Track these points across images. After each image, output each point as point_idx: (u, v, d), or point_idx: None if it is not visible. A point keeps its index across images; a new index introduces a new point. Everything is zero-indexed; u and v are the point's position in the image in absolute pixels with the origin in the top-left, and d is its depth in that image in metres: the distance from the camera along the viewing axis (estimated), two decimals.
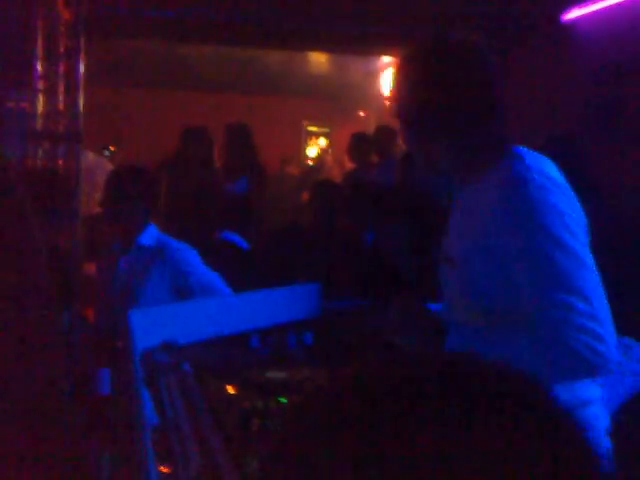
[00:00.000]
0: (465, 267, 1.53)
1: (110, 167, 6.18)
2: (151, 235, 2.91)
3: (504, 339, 1.42)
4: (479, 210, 1.52)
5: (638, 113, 3.93)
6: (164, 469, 1.38)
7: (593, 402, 1.62)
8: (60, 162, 4.36)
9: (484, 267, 1.48)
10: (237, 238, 3.82)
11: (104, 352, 1.73)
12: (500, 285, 1.46)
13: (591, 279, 1.39)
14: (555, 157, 3.06)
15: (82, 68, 4.55)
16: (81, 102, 4.54)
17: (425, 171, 1.67)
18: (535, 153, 1.54)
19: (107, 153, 6.91)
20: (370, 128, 7.44)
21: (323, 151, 9.99)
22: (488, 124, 1.55)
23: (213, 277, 2.86)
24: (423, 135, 1.57)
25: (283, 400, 1.78)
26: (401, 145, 4.77)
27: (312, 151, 10.14)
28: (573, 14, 4.54)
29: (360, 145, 5.84)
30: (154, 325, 2.09)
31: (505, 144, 1.56)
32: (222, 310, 2.39)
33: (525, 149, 1.55)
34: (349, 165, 6.77)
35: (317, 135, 10.18)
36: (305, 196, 5.82)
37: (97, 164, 5.71)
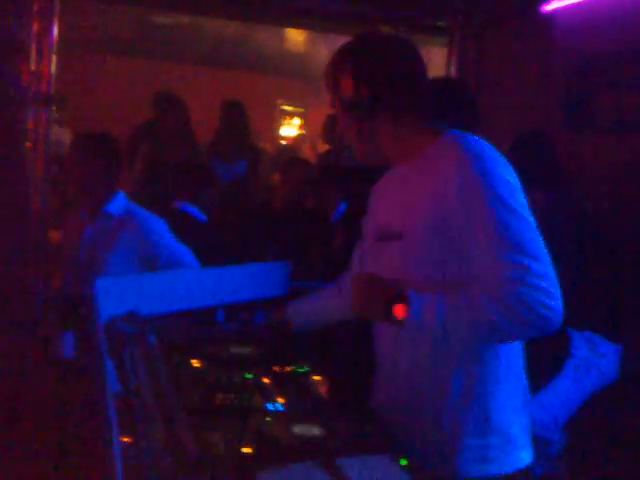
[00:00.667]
0: (414, 241, 1.62)
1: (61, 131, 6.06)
2: (119, 203, 2.86)
3: (467, 302, 1.49)
4: (425, 186, 1.63)
5: (615, 106, 3.96)
6: (126, 439, 1.36)
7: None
8: (30, 125, 4.26)
9: (435, 239, 1.58)
10: (194, 209, 3.74)
11: (69, 317, 1.70)
12: (452, 255, 1.58)
13: (540, 241, 1.53)
14: (525, 152, 3.08)
15: (56, 30, 4.43)
16: (53, 65, 4.43)
17: (361, 156, 1.76)
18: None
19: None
20: None
21: (300, 133, 9.89)
22: (419, 110, 1.71)
23: (181, 249, 2.82)
24: (359, 123, 1.69)
25: (248, 375, 1.77)
26: None
27: (286, 130, 10.06)
28: (553, 5, 4.56)
29: (334, 127, 5.81)
30: (120, 294, 2.06)
31: (437, 127, 1.70)
32: (189, 283, 2.37)
33: (460, 131, 1.67)
34: (322, 147, 6.74)
35: (291, 115, 10.11)
36: (277, 177, 5.77)
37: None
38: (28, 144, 4.24)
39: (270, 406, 1.61)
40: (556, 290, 1.48)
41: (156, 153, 5.03)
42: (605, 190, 3.87)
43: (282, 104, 10.07)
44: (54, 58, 4.53)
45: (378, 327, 1.79)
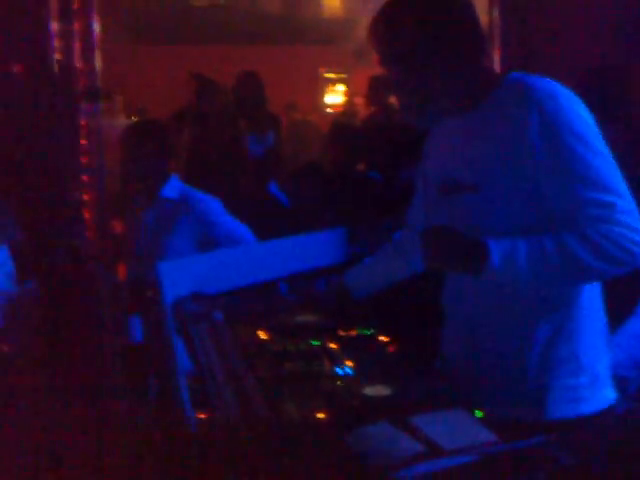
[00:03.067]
0: (491, 192, 1.58)
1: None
2: (173, 187, 2.91)
3: (553, 244, 1.48)
4: (497, 134, 1.58)
5: None
6: (201, 415, 1.40)
7: None
8: (82, 121, 4.37)
9: (513, 187, 1.55)
10: (280, 194, 3.77)
11: (135, 301, 1.75)
12: (530, 202, 1.55)
13: (620, 177, 1.53)
14: (592, 89, 2.96)
15: (97, 25, 4.50)
16: (98, 60, 4.52)
17: (417, 113, 1.69)
18: None
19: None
20: None
21: (345, 99, 9.77)
22: (477, 55, 1.65)
23: (238, 226, 2.86)
24: (418, 73, 1.62)
25: (315, 342, 1.79)
26: None
27: (331, 98, 9.98)
28: None
29: (378, 88, 5.73)
30: (183, 276, 2.10)
31: (494, 71, 1.72)
32: (249, 258, 2.40)
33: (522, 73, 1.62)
34: (365, 108, 6.65)
35: (334, 82, 10.02)
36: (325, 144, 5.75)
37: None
38: (82, 140, 4.35)
39: (339, 370, 1.63)
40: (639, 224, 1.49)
41: (200, 140, 5.03)
42: None
43: (324, 72, 9.99)
44: (98, 53, 4.60)
45: (450, 279, 1.76)
